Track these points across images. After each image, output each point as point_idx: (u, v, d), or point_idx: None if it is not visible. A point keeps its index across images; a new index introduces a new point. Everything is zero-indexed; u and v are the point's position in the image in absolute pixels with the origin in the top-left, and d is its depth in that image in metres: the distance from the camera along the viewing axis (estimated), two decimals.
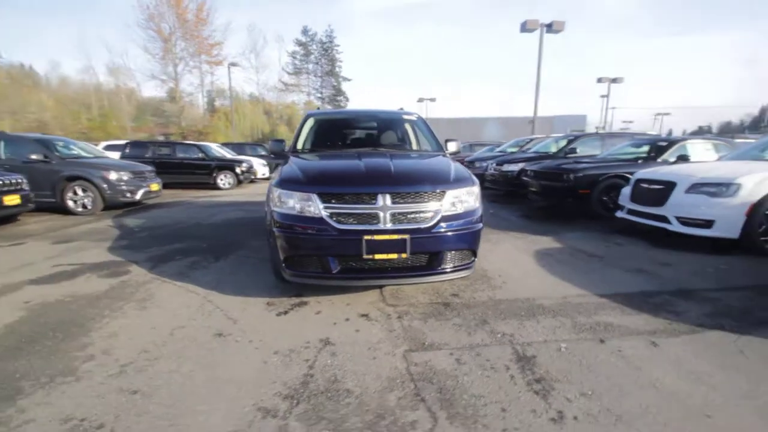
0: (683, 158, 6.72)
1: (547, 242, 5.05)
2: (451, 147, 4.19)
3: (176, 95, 36.06)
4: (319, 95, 53.59)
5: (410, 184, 2.85)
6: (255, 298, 3.20)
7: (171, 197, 9.96)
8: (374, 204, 2.73)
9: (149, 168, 8.65)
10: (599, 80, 28.07)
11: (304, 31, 52.43)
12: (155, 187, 8.35)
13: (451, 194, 2.89)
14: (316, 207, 2.77)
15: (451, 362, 2.22)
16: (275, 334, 2.58)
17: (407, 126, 4.83)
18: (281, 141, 4.19)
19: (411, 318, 2.81)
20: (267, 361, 2.25)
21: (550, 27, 16.96)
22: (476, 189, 3.06)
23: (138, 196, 7.73)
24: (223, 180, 12.46)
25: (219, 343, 2.47)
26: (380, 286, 3.32)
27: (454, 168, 3.23)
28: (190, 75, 37.80)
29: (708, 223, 4.45)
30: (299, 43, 52.28)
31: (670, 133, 32.31)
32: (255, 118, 40.27)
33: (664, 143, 7.24)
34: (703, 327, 2.64)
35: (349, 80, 55.67)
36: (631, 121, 51.32)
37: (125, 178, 7.63)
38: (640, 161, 6.94)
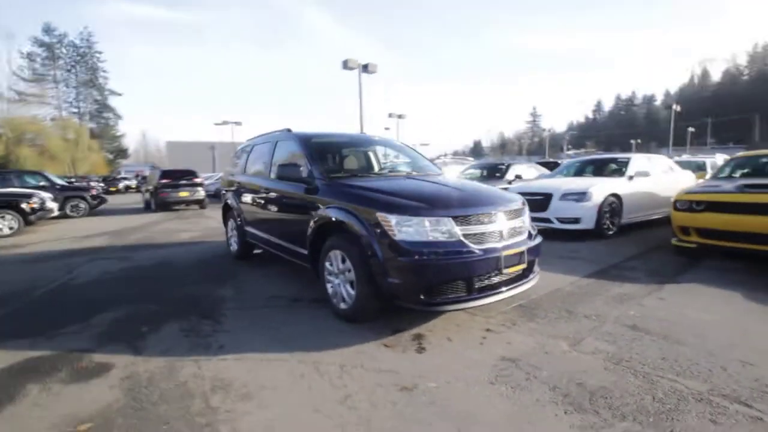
0: (518, 176, 9.19)
1: None
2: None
3: None
4: (75, 110, 42.28)
5: (509, 202, 3.16)
6: (360, 345, 2.74)
7: None
8: (496, 222, 2.92)
9: None
10: (390, 115, 33.41)
11: (47, 30, 40.64)
12: None
13: (527, 209, 3.37)
14: (450, 230, 2.73)
15: (598, 339, 2.69)
16: (457, 369, 2.41)
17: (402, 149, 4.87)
18: (296, 165, 3.63)
19: (527, 322, 3.09)
20: (493, 391, 2.15)
21: (366, 68, 19.35)
22: None
23: None
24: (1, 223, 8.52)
25: (417, 396, 2.14)
26: (502, 300, 3.13)
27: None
28: None
29: (577, 220, 6.42)
30: (40, 44, 40.07)
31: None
32: None
33: (503, 165, 9.70)
34: (661, 282, 4.01)
35: (119, 95, 46.24)
36: None
37: None
38: (490, 179, 9.07)
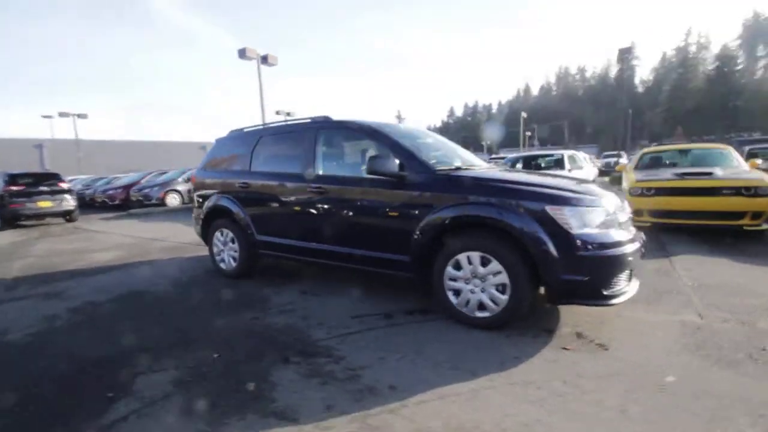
0: None
1: None
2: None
3: None
4: None
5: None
6: (539, 353, 2.47)
7: None
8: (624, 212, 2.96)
9: None
10: (278, 112, 31.45)
11: None
12: None
13: None
14: (614, 220, 2.69)
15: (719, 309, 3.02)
16: (665, 359, 2.37)
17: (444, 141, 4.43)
18: (383, 158, 3.04)
19: (654, 304, 3.19)
20: (725, 370, 2.20)
21: (265, 59, 17.75)
22: None
23: None
24: None
25: (674, 390, 2.04)
26: None
27: None
28: None
29: None
30: None
31: None
32: None
33: None
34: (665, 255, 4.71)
35: None
36: None
37: None
38: None
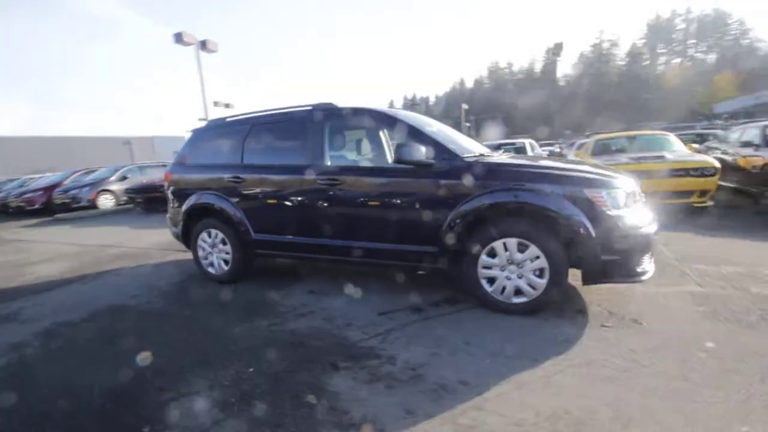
0: None
1: None
2: None
3: None
4: None
5: None
6: (584, 335, 2.54)
7: None
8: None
9: None
10: (216, 104, 29.42)
11: None
12: None
13: None
14: (641, 201, 2.85)
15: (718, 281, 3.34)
16: (667, 330, 2.56)
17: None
18: (413, 146, 2.90)
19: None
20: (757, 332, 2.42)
21: (204, 45, 16.42)
22: None
23: None
24: None
25: (739, 357, 2.20)
26: None
27: None
28: None
29: None
30: None
31: None
32: None
33: None
34: None
35: None
36: None
37: None
38: None
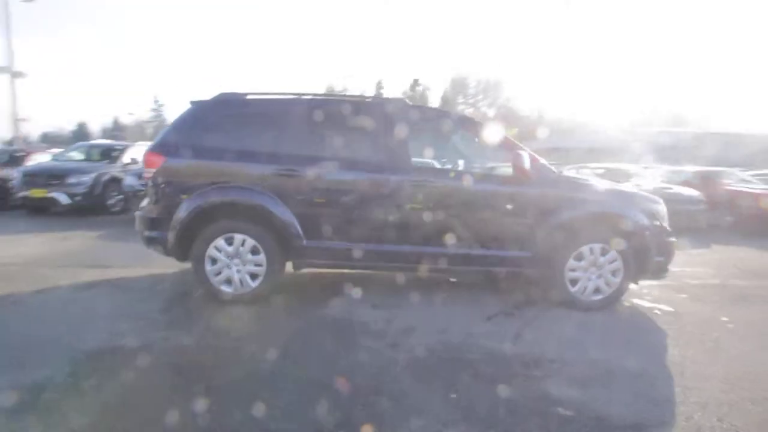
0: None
1: None
2: None
3: None
4: None
5: None
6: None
7: None
8: None
9: None
10: None
11: None
12: None
13: None
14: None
15: None
16: (693, 311, 3.48)
17: None
18: (521, 155, 3.01)
19: None
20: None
21: None
22: None
23: None
24: None
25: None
26: None
27: None
28: None
29: None
30: None
31: None
32: None
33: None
34: None
35: None
36: None
37: None
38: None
